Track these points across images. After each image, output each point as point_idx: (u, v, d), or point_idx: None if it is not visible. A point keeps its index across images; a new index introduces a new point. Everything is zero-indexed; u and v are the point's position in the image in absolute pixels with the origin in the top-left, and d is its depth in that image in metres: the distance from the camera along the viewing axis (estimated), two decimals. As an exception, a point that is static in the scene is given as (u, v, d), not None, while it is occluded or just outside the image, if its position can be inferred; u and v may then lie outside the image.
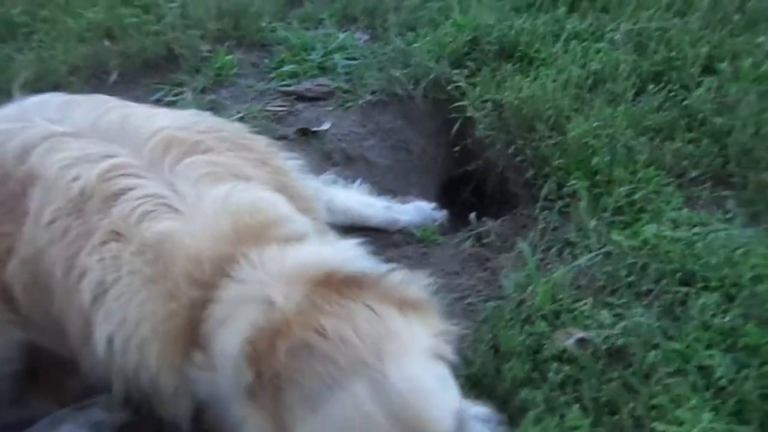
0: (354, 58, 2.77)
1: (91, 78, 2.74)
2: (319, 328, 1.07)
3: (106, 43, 2.88)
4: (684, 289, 1.65)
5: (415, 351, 1.11)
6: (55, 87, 2.63)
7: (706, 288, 1.64)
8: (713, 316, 1.56)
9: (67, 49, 2.80)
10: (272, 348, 1.07)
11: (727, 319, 1.54)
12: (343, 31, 2.97)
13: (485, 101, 2.37)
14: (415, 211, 2.15)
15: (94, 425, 1.59)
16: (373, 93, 2.55)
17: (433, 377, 1.10)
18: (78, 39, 2.88)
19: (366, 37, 2.99)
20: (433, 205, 2.19)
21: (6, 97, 2.51)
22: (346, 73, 2.69)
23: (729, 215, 1.89)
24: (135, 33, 2.89)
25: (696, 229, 1.82)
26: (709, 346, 1.51)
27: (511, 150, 2.21)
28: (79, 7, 3.06)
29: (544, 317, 1.62)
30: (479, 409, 1.40)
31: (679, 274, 1.68)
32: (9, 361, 1.48)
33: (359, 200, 2.09)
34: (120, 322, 1.22)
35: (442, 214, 2.17)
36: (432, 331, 1.17)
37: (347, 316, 1.09)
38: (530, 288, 1.70)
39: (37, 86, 2.60)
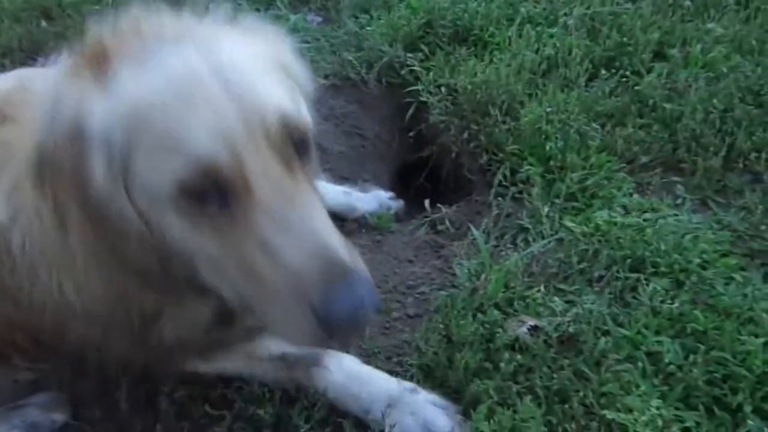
0: (306, 42, 2.69)
1: (26, 60, 2.59)
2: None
3: (43, 23, 2.74)
4: (634, 275, 1.66)
5: (253, 48, 1.07)
6: (-13, 69, 2.49)
7: (655, 274, 1.66)
8: (662, 302, 1.57)
9: (1, 29, 2.65)
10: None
11: (675, 305, 1.55)
12: (295, 14, 2.89)
13: (439, 86, 2.34)
14: (373, 199, 2.11)
15: (30, 426, 1.51)
16: (325, 77, 2.49)
17: (275, 72, 1.06)
18: (12, 19, 2.73)
19: (318, 19, 2.92)
20: (390, 194, 2.15)
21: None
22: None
23: (678, 201, 1.91)
24: (74, 13, 2.75)
25: (646, 215, 1.84)
26: (658, 332, 1.52)
27: (465, 135, 2.18)
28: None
29: (496, 305, 1.61)
30: (436, 398, 1.40)
31: (629, 261, 1.69)
32: None
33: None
34: None
35: (398, 204, 2.13)
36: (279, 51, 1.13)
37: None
38: (483, 276, 1.68)
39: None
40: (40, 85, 1.20)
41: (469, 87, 2.24)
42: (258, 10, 2.90)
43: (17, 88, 1.36)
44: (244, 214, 0.95)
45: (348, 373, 1.44)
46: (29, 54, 2.62)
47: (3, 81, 1.44)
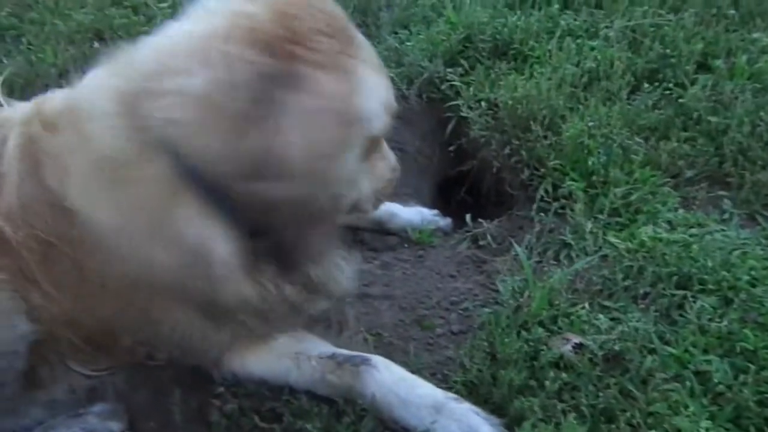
0: (347, 58, 2.74)
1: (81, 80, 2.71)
2: None
3: (96, 44, 2.85)
4: (681, 293, 1.64)
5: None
6: (45, 89, 2.60)
7: (703, 291, 1.64)
8: (710, 320, 1.55)
9: (56, 51, 2.77)
10: None
11: (724, 323, 1.53)
12: (336, 30, 2.94)
13: (479, 101, 2.35)
14: (416, 213, 2.13)
15: (88, 434, 1.57)
16: (366, 93, 2.53)
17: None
18: (67, 41, 2.84)
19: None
20: (435, 211, 2.17)
21: (-6, 101, 2.51)
22: (339, 73, 2.67)
23: (725, 216, 1.88)
24: (124, 34, 2.85)
25: (693, 231, 1.82)
26: (706, 351, 1.50)
27: (506, 150, 2.19)
28: (67, 9, 3.03)
29: (541, 323, 1.61)
30: (479, 410, 1.41)
31: (675, 277, 1.67)
32: (14, 356, 1.44)
33: None
34: None
35: (446, 221, 2.14)
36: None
37: None
38: (527, 293, 1.69)
39: (26, 90, 2.57)
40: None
41: (510, 101, 2.25)
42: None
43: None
44: None
45: (396, 376, 1.47)
46: (84, 74, 2.73)
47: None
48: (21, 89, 2.56)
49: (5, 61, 2.74)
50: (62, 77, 2.68)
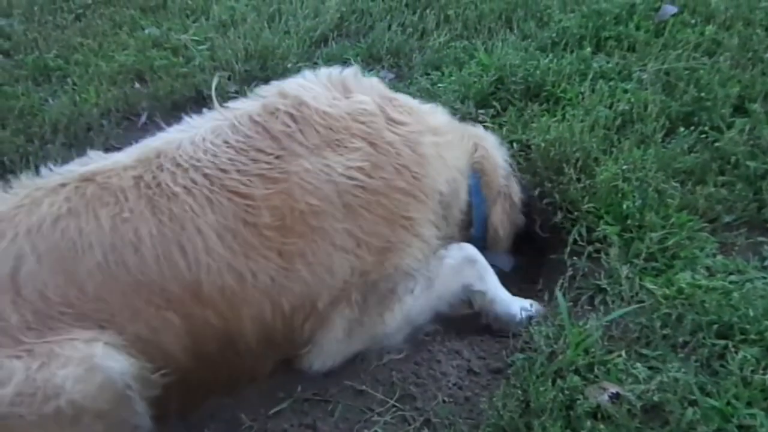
0: (379, 99, 2.78)
1: (122, 120, 2.80)
2: None
3: (137, 85, 2.96)
4: (722, 342, 1.60)
5: None
6: (88, 129, 2.69)
7: (744, 341, 1.59)
8: (753, 371, 1.50)
9: (99, 91, 2.87)
10: None
11: (768, 375, 1.48)
12: (369, 71, 3.00)
13: (512, 141, 2.36)
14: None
15: None
16: (398, 134, 2.55)
17: None
18: (110, 82, 2.95)
19: (391, 76, 3.01)
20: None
21: (41, 140, 2.60)
22: (372, 114, 2.70)
23: (766, 263, 1.83)
24: (164, 75, 2.95)
25: (732, 278, 1.77)
26: (749, 404, 1.45)
27: (538, 192, 2.18)
28: (110, 51, 3.15)
29: (576, 371, 1.58)
30: None
31: (716, 326, 1.63)
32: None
33: None
34: None
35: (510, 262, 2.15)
36: None
37: None
38: (561, 339, 1.66)
39: (69, 129, 2.67)
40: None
41: (542, 144, 2.25)
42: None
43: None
44: None
45: None
46: (125, 114, 2.82)
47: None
48: (65, 128, 2.66)
49: (51, 101, 2.84)
50: (104, 117, 2.77)
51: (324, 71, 1.85)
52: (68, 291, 1.43)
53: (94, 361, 1.37)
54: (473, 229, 2.00)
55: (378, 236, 1.65)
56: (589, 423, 1.44)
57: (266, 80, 2.96)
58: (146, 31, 3.34)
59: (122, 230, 1.49)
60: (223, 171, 1.59)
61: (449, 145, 1.87)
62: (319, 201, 1.60)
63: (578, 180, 2.13)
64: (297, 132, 1.67)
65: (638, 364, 1.58)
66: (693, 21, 2.82)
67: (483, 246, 1.98)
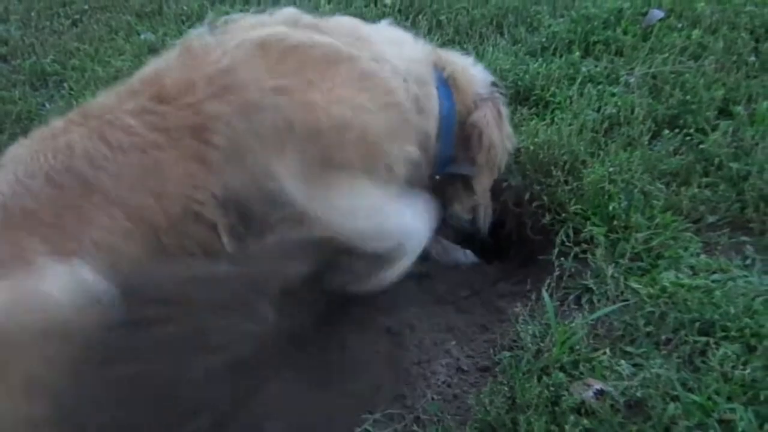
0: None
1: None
2: None
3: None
4: (703, 339, 1.64)
5: None
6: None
7: (726, 338, 1.63)
8: (733, 367, 1.54)
9: (96, 96, 2.89)
10: None
11: (747, 370, 1.52)
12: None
13: (501, 145, 2.40)
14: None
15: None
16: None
17: None
18: (106, 86, 2.95)
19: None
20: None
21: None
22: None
23: (748, 262, 1.88)
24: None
25: (715, 277, 1.81)
26: (730, 399, 1.49)
27: (527, 195, 2.23)
28: (107, 56, 3.19)
29: (562, 368, 1.62)
30: None
31: (698, 324, 1.67)
32: None
33: None
34: None
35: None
36: None
37: None
38: (548, 337, 1.70)
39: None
40: None
41: (531, 147, 2.29)
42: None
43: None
44: None
45: None
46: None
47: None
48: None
49: (48, 105, 2.88)
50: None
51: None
52: None
53: None
54: (440, 143, 1.87)
55: None
56: (573, 418, 1.48)
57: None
58: (142, 37, 3.38)
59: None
60: None
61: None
62: None
63: (566, 182, 2.17)
64: None
65: (622, 361, 1.62)
66: (679, 25, 2.87)
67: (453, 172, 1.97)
